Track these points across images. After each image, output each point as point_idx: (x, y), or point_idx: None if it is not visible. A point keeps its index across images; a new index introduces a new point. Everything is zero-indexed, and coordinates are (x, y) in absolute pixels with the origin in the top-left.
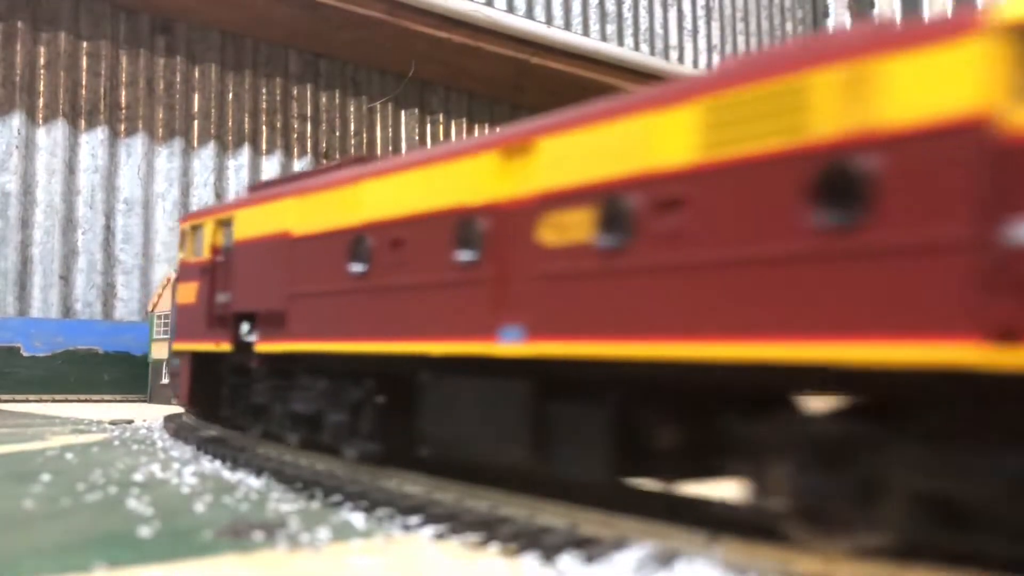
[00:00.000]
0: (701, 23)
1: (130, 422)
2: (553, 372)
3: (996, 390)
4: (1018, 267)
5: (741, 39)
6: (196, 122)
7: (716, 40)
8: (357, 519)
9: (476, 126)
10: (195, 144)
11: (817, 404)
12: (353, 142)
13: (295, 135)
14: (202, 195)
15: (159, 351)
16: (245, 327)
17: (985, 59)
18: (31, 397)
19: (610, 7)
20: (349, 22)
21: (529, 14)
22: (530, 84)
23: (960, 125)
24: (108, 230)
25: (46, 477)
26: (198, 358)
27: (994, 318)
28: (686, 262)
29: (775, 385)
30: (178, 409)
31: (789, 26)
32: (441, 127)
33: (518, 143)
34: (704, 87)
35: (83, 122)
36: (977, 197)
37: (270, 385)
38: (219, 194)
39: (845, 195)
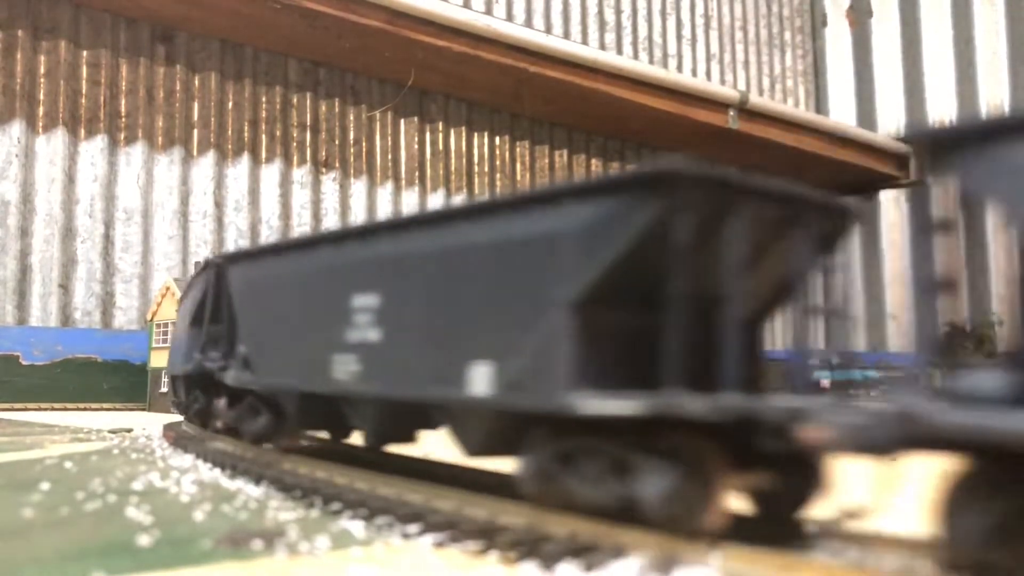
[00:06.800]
0: (700, 32)
1: (129, 431)
2: None
3: None
4: None
5: (740, 48)
6: (196, 131)
7: (715, 49)
8: (356, 527)
9: (476, 135)
10: (195, 153)
11: None
12: (353, 151)
13: (294, 144)
14: (201, 204)
15: (158, 360)
16: None
17: None
18: (30, 405)
19: (609, 16)
20: (349, 31)
21: (528, 23)
22: (529, 93)
23: None
24: (107, 239)
25: (45, 486)
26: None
27: None
28: None
29: None
30: (177, 417)
31: (788, 35)
32: (440, 135)
33: None
34: None
35: (83, 131)
36: None
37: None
38: (218, 203)
39: None
